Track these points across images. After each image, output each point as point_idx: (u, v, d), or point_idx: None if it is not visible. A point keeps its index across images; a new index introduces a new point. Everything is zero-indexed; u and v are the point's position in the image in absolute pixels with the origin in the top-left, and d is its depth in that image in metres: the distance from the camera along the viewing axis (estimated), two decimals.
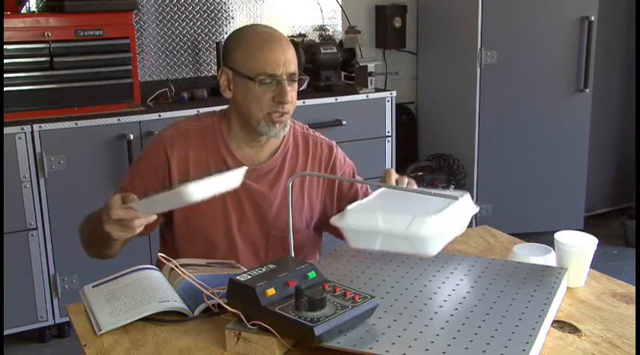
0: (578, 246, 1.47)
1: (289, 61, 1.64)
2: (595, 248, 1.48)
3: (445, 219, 1.40)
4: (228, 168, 1.70)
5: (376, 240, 1.42)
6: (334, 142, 1.86)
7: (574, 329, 1.26)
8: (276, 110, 1.64)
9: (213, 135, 1.72)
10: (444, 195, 1.49)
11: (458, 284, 1.39)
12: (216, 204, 1.66)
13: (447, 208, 1.42)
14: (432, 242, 1.37)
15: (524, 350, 1.11)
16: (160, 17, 3.48)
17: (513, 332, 1.17)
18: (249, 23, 3.35)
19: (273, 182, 1.75)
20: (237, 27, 1.77)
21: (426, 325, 1.21)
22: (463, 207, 1.48)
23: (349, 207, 1.47)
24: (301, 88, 1.71)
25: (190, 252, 1.72)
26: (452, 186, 3.85)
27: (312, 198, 1.79)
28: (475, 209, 1.53)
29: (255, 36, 1.66)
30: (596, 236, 1.48)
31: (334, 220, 1.47)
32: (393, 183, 1.61)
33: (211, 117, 1.76)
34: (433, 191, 1.50)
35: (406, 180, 1.64)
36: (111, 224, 1.38)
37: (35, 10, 3.15)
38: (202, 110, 1.84)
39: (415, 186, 1.63)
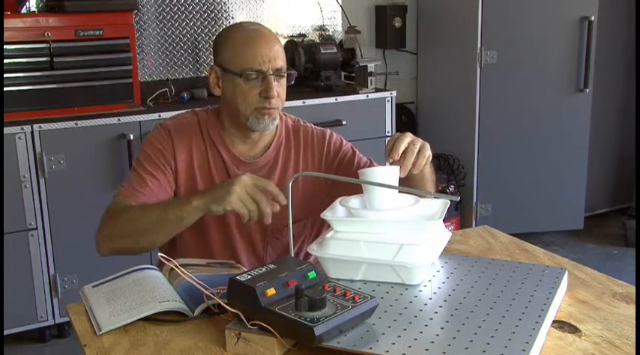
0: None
1: (275, 56, 1.65)
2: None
3: (430, 246, 1.41)
4: (224, 163, 1.73)
5: (359, 269, 1.40)
6: (328, 130, 1.87)
7: (574, 329, 1.26)
8: (263, 105, 1.66)
9: (208, 130, 1.75)
10: (441, 196, 1.50)
11: (458, 284, 1.39)
12: None
13: (430, 232, 1.42)
14: (419, 271, 1.38)
15: (524, 350, 1.11)
16: (160, 17, 3.48)
17: (513, 332, 1.17)
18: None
19: (268, 176, 1.76)
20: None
21: (426, 325, 1.21)
22: (440, 231, 1.48)
23: (327, 234, 1.44)
24: (290, 83, 1.73)
25: (189, 248, 1.72)
26: (452, 186, 3.86)
27: (307, 187, 1.79)
28: (449, 234, 1.52)
29: (241, 33, 1.69)
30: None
31: (311, 249, 1.44)
32: (402, 148, 1.50)
33: (206, 113, 1.79)
34: (433, 193, 1.51)
35: (418, 145, 1.52)
36: (241, 197, 1.45)
37: (35, 10, 3.15)
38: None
39: (428, 151, 1.55)
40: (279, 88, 1.68)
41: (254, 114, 1.66)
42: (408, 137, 1.54)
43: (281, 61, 1.67)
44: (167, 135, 1.72)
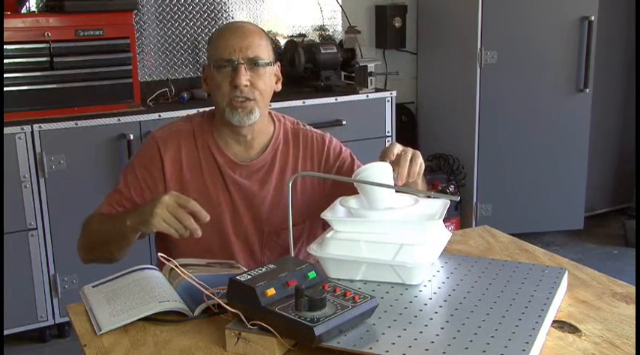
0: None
1: (248, 46, 1.64)
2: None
3: (430, 246, 1.41)
4: (218, 166, 1.72)
5: (359, 269, 1.40)
6: (328, 134, 1.85)
7: (574, 329, 1.26)
8: (235, 95, 1.64)
9: (202, 134, 1.74)
10: (441, 196, 1.50)
11: (458, 284, 1.39)
12: (209, 203, 1.67)
13: (429, 233, 1.42)
14: (419, 271, 1.38)
15: (524, 350, 1.11)
16: (160, 17, 3.48)
17: (513, 332, 1.17)
18: None
19: (264, 179, 1.75)
20: None
21: (426, 325, 1.21)
22: (440, 232, 1.48)
23: (327, 234, 1.44)
24: (279, 77, 1.74)
25: (186, 251, 1.72)
26: (452, 186, 3.86)
27: (306, 191, 1.79)
28: (449, 234, 1.52)
29: (223, 27, 1.73)
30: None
31: (311, 250, 1.45)
32: (395, 153, 1.52)
33: (201, 117, 1.78)
34: (433, 193, 1.51)
35: (410, 154, 1.53)
36: (164, 217, 1.43)
37: (35, 10, 3.15)
38: (201, 110, 1.86)
39: (420, 158, 1.55)
40: (256, 78, 1.65)
41: (229, 106, 1.66)
42: (399, 145, 1.56)
43: (257, 52, 1.64)
44: (155, 147, 1.72)
